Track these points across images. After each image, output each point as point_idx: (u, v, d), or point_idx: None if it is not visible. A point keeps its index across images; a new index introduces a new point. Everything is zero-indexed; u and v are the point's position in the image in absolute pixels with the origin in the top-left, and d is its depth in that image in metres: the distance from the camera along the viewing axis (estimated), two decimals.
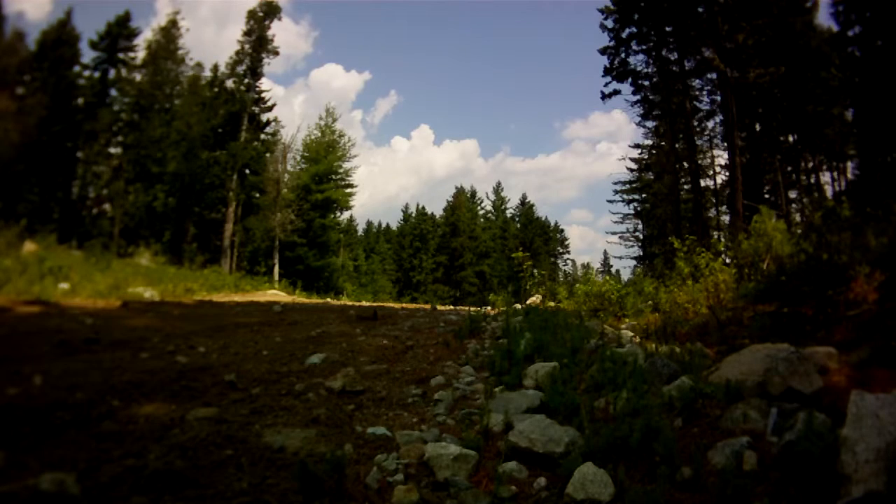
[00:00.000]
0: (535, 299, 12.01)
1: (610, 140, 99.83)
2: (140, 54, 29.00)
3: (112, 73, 28.48)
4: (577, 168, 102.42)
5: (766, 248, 8.33)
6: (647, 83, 23.38)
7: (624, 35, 21.92)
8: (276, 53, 29.46)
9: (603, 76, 22.59)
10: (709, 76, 23.60)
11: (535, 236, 53.95)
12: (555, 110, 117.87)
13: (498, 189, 56.67)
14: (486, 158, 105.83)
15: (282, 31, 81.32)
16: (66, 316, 5.46)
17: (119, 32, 28.62)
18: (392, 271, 48.16)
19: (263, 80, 29.81)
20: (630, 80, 22.91)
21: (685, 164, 25.45)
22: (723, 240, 12.98)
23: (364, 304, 13.67)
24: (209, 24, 65.41)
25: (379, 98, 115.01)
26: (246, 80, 28.77)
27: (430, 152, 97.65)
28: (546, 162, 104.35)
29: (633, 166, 34.70)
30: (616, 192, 36.55)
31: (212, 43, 60.55)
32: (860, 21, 19.55)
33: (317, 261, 29.44)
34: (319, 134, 32.05)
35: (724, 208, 27.61)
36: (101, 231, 25.89)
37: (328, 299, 16.74)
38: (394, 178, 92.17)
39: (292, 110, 76.85)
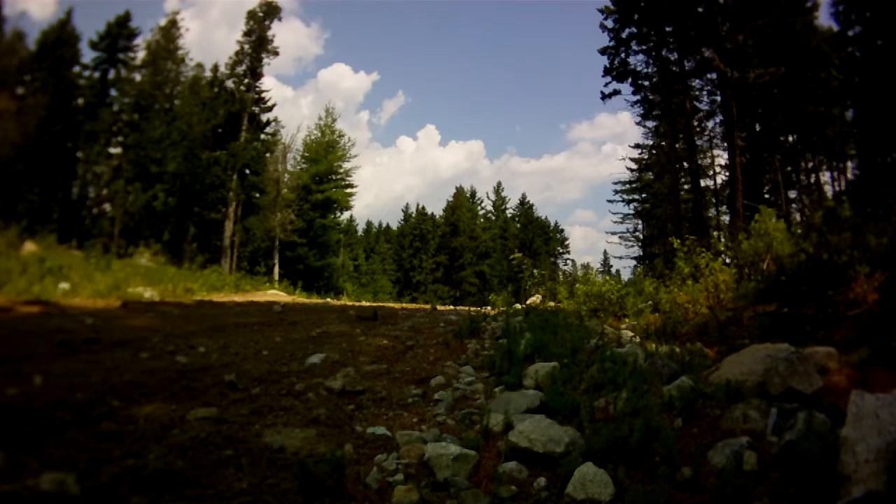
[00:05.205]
0: (535, 299, 12.01)
1: (615, 141, 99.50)
2: (140, 54, 29.07)
3: (112, 73, 28.51)
4: (582, 169, 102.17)
5: (766, 248, 8.34)
6: (647, 83, 23.34)
7: (624, 35, 21.90)
8: (276, 54, 29.51)
9: (603, 76, 22.58)
10: (709, 76, 23.60)
11: (535, 236, 53.94)
12: (561, 112, 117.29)
13: (498, 189, 56.71)
14: (492, 160, 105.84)
15: (292, 34, 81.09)
16: (66, 316, 5.46)
17: (119, 32, 28.64)
18: (392, 271, 48.16)
19: (269, 81, 29.91)
20: (630, 80, 22.87)
21: (685, 164, 25.45)
22: (723, 240, 12.97)
23: (364, 304, 13.67)
24: (220, 26, 65.39)
25: (386, 99, 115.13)
26: (246, 81, 28.79)
27: (435, 153, 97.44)
28: (551, 163, 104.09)
29: (634, 166, 34.80)
30: (616, 192, 36.64)
31: (222, 45, 60.45)
32: (860, 21, 19.57)
33: (317, 261, 29.47)
34: (319, 134, 32.12)
35: (724, 208, 27.64)
36: (101, 231, 25.88)
37: (328, 299, 16.74)
38: (399, 178, 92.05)
39: (300, 112, 76.75)
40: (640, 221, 36.61)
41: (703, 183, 26.25)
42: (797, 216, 24.20)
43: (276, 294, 14.86)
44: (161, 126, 26.76)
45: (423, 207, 53.31)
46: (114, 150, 27.83)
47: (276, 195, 27.02)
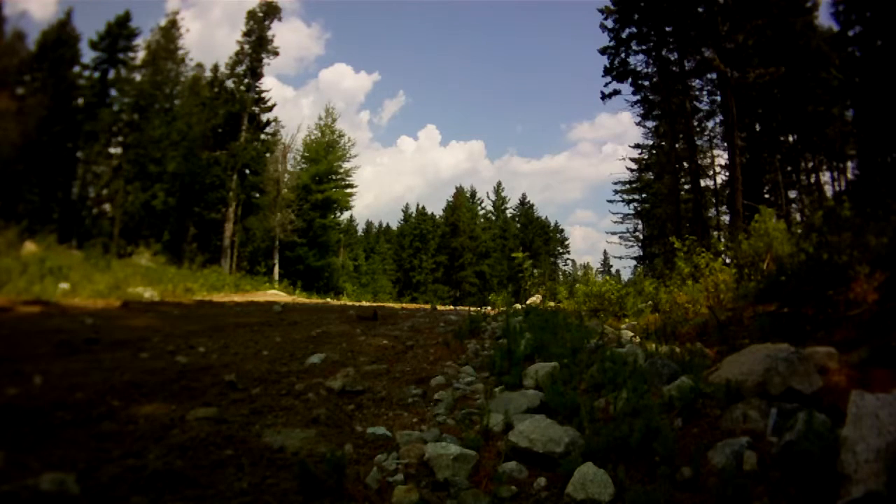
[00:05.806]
0: (535, 299, 12.02)
1: (616, 142, 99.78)
2: (140, 54, 29.06)
3: (112, 73, 28.49)
4: (583, 169, 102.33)
5: (766, 248, 8.34)
6: (647, 83, 23.38)
7: (624, 35, 21.93)
8: (276, 54, 29.52)
9: (603, 76, 22.62)
10: (709, 76, 23.63)
11: (535, 236, 53.95)
12: (562, 112, 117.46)
13: (498, 189, 56.69)
14: (493, 160, 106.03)
15: (294, 34, 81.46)
16: (66, 316, 5.46)
17: (119, 32, 28.62)
18: (392, 271, 48.15)
19: (270, 81, 29.89)
20: (630, 80, 22.91)
21: (685, 164, 25.45)
22: (723, 240, 12.98)
23: (364, 304, 13.67)
24: (221, 26, 65.47)
25: (387, 99, 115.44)
26: (246, 81, 28.79)
27: (436, 153, 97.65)
28: (551, 163, 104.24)
29: (634, 166, 34.80)
30: (616, 192, 36.64)
31: (222, 45, 60.52)
32: (860, 21, 19.58)
33: (317, 261, 29.46)
34: (319, 134, 32.13)
35: (724, 208, 27.63)
36: (101, 231, 25.87)
37: (328, 299, 16.75)
38: (400, 178, 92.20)
39: (302, 112, 76.95)
40: (639, 221, 36.61)
41: (703, 183, 26.25)
42: (797, 216, 24.22)
43: (276, 294, 14.86)
44: (161, 126, 26.74)
45: (424, 207, 53.45)
46: (114, 150, 27.84)
47: (276, 195, 27.02)
